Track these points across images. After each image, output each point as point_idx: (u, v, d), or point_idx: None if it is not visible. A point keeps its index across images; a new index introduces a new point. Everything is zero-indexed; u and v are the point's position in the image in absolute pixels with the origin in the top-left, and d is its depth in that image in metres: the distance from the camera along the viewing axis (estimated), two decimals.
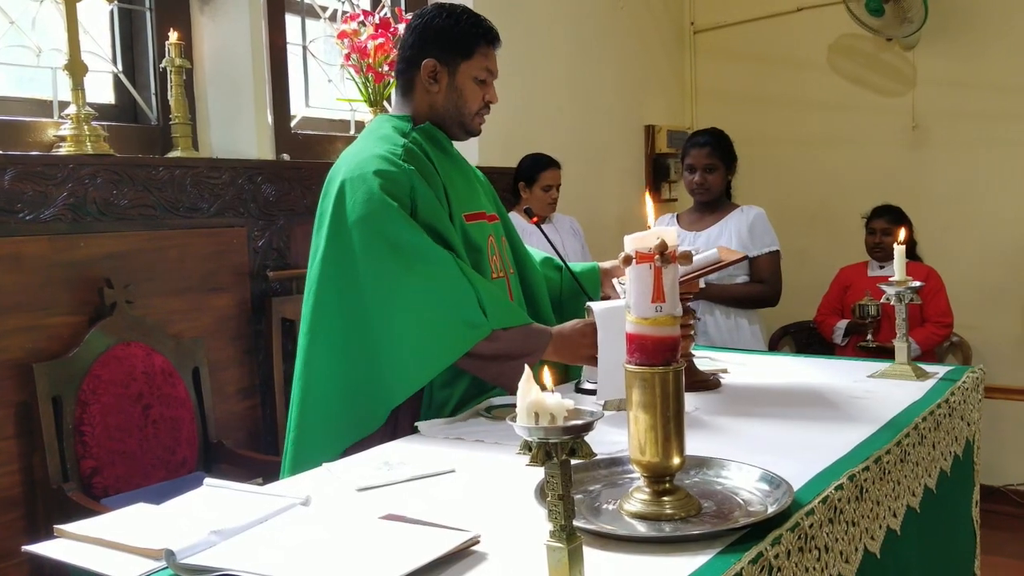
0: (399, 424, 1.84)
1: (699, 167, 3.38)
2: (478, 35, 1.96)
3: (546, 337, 1.81)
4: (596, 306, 1.81)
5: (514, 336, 1.78)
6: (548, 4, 4.42)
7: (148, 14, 3.04)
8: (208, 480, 1.42)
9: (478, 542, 1.12)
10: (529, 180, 3.78)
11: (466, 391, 1.90)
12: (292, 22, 3.50)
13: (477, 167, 2.18)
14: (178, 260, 2.83)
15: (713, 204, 3.42)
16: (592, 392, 2.00)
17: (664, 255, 1.15)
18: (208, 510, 1.28)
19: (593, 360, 1.81)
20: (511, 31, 4.17)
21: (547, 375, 1.02)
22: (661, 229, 1.17)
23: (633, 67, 5.07)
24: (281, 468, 1.93)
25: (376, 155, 1.86)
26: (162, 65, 2.93)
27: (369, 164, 1.84)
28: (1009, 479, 4.79)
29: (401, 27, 3.08)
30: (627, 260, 1.17)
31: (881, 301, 2.69)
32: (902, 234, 2.20)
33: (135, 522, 1.26)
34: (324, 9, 3.66)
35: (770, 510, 1.17)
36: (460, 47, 1.95)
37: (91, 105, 2.67)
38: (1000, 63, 4.67)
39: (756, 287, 3.33)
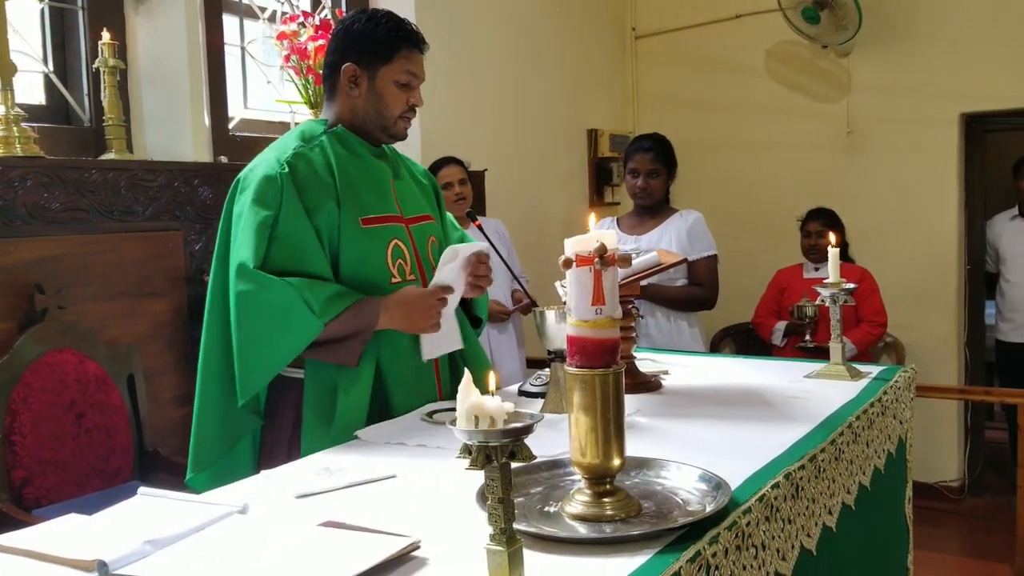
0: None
1: (642, 171, 3.41)
2: (398, 39, 1.96)
3: (376, 310, 1.84)
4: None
5: (342, 319, 1.80)
6: (490, 8, 4.43)
7: (80, 13, 2.97)
8: (143, 489, 1.39)
9: (418, 547, 1.12)
10: None
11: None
12: (230, 22, 3.45)
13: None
14: (112, 265, 2.77)
15: (653, 208, 3.46)
16: (536, 395, 2.01)
17: (604, 258, 1.16)
18: (142, 520, 1.25)
19: (432, 329, 1.90)
20: (452, 35, 4.18)
21: (491, 378, 1.02)
22: (600, 232, 1.18)
23: (576, 71, 5.11)
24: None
25: (269, 159, 1.91)
26: (95, 65, 2.86)
27: (260, 168, 1.90)
28: (941, 476, 4.93)
29: None
30: (567, 263, 1.18)
31: (817, 302, 2.74)
32: (834, 237, 2.25)
33: (67, 533, 1.23)
34: (263, 10, 3.62)
35: (708, 509, 1.18)
36: (379, 51, 1.95)
37: (21, 106, 2.60)
38: (930, 71, 4.80)
39: (694, 289, 3.38)
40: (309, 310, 1.76)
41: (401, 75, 1.96)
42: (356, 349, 1.82)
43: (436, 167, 3.79)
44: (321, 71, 2.08)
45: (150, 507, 1.32)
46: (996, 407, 5.74)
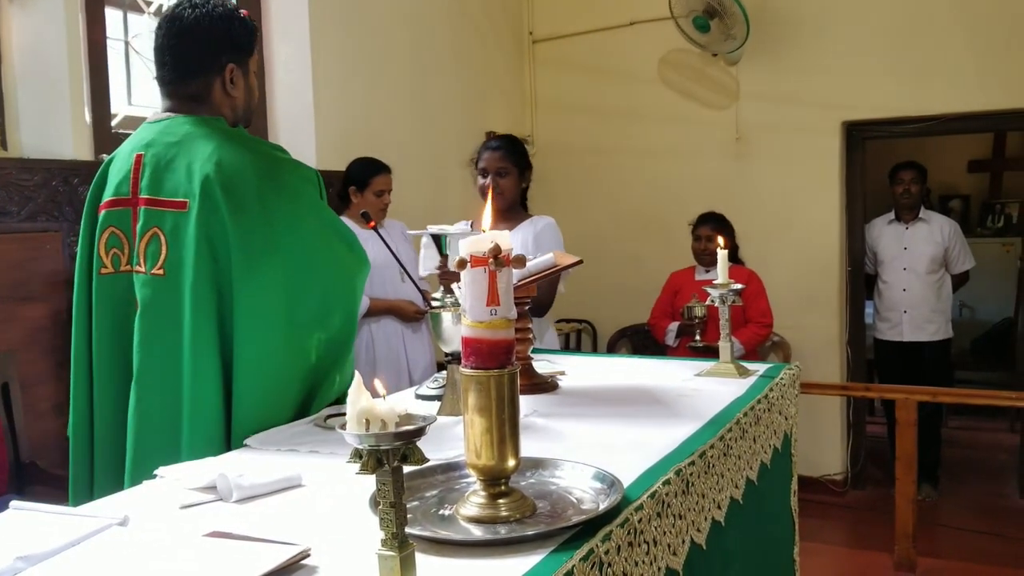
0: None
1: (491, 171, 3.32)
2: (252, 30, 2.00)
3: None
4: None
5: None
6: (386, 8, 4.38)
7: None
8: (15, 503, 1.31)
9: (308, 555, 1.09)
10: (361, 185, 3.71)
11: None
12: (113, 16, 3.32)
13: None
14: None
15: (506, 211, 3.33)
16: (432, 398, 1.99)
17: (498, 259, 1.16)
18: (14, 534, 1.18)
19: None
20: (351, 33, 4.13)
21: (378, 383, 1.00)
22: (496, 233, 1.18)
23: (475, 74, 5.11)
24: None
25: (277, 157, 1.90)
26: None
27: (280, 166, 1.88)
28: (825, 470, 5.13)
29: None
30: (461, 264, 1.17)
31: (707, 303, 2.81)
32: (723, 240, 2.31)
33: None
34: (149, 3, 3.49)
35: (601, 507, 1.19)
36: (246, 46, 1.97)
37: None
38: (814, 80, 5.00)
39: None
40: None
41: (255, 65, 2.00)
42: None
43: (372, 172, 3.68)
44: (174, 72, 1.93)
45: (22, 521, 1.25)
46: (876, 402, 6.02)
